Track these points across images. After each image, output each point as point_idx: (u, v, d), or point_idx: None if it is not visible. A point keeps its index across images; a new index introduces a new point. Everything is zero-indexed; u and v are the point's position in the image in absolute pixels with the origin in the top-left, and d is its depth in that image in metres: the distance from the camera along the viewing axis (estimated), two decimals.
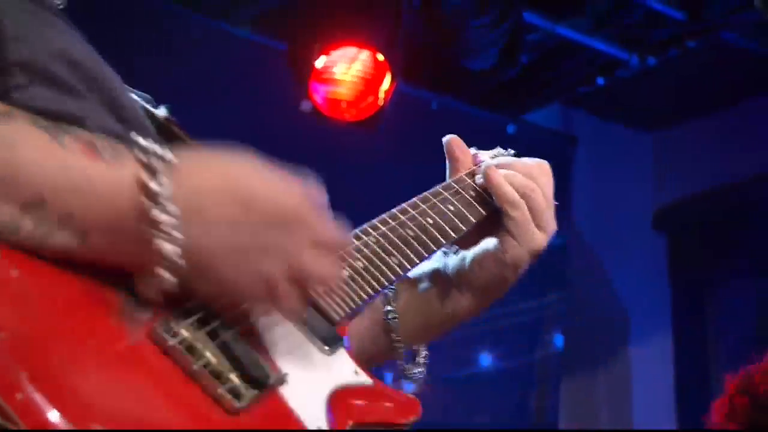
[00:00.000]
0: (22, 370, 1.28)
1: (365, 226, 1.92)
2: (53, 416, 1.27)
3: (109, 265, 1.43)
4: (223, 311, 1.51)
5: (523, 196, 1.92)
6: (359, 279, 1.82)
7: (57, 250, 1.40)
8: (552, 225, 1.95)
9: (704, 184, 7.08)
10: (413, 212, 1.96)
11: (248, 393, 1.47)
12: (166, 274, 1.41)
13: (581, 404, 7.00)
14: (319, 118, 5.58)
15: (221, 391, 1.45)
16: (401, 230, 1.93)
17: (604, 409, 7.05)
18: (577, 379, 6.86)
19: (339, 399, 1.63)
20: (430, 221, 1.97)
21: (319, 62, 5.46)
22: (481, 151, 2.21)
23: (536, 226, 1.93)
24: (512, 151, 2.25)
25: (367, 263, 1.85)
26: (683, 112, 7.17)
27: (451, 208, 2.00)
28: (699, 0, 5.95)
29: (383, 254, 1.88)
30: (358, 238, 1.89)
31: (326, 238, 1.56)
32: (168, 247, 1.40)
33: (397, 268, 1.87)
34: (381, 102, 5.72)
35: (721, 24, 6.13)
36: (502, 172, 1.96)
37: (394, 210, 1.97)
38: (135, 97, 1.90)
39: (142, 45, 5.12)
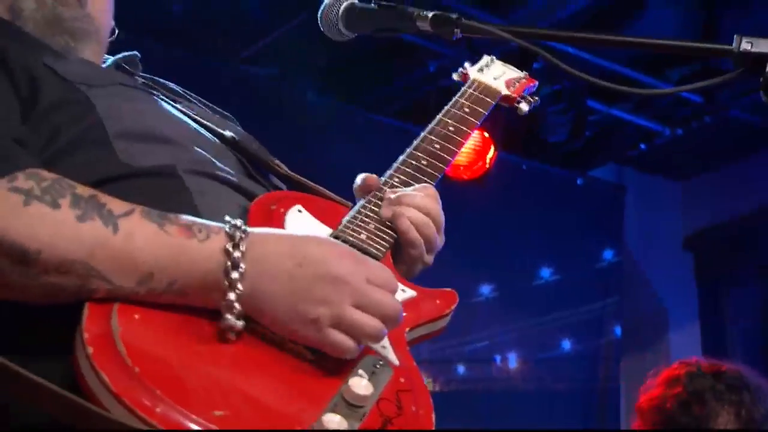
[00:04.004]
0: (156, 390, 1.24)
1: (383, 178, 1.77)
2: (185, 417, 1.23)
3: (203, 308, 1.39)
4: None
5: (420, 232, 1.69)
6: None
7: (164, 302, 1.38)
8: (439, 244, 1.75)
9: (719, 218, 6.92)
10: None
11: None
12: (231, 316, 1.36)
13: (634, 376, 6.84)
14: (445, 178, 5.57)
15: (300, 348, 1.40)
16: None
17: None
18: (631, 358, 6.73)
19: None
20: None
21: None
22: (468, 65, 2.06)
23: (428, 252, 1.73)
24: (494, 57, 2.08)
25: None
26: (702, 167, 7.02)
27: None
28: (713, 87, 5.86)
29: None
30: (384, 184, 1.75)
31: (370, 301, 1.40)
32: (231, 296, 1.36)
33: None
34: (487, 165, 5.71)
35: (730, 104, 6.03)
36: (405, 209, 1.70)
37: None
38: (209, 124, 1.84)
39: (305, 134, 5.15)
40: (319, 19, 1.95)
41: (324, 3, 1.94)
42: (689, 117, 6.26)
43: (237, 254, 1.37)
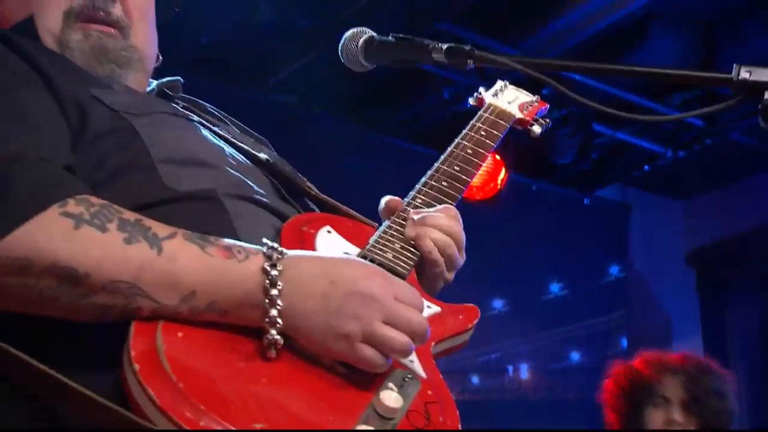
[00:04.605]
0: (199, 404, 1.25)
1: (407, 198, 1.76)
2: (227, 430, 1.24)
3: (242, 325, 1.40)
4: None
5: (442, 252, 1.68)
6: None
7: (206, 321, 1.39)
8: (460, 262, 1.73)
9: (719, 234, 6.88)
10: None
11: None
12: (274, 330, 1.36)
13: None
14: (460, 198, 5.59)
15: (332, 363, 1.41)
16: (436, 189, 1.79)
17: None
18: None
19: None
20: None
21: None
22: (483, 90, 2.04)
23: (449, 270, 1.72)
24: (507, 82, 2.06)
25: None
26: (703, 187, 7.00)
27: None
28: (713, 112, 5.84)
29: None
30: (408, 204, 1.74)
31: (398, 318, 1.41)
32: (274, 312, 1.36)
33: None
34: (499, 186, 5.72)
35: (730, 128, 6.02)
36: (428, 229, 1.68)
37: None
38: (245, 146, 1.85)
39: (326, 158, 5.16)
40: (340, 51, 1.95)
41: (345, 36, 1.95)
42: (691, 140, 6.25)
43: (274, 273, 1.38)
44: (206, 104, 2.00)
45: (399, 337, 1.41)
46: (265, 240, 1.43)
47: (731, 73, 1.60)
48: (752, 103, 1.61)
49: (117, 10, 1.84)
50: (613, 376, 3.96)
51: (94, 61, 1.79)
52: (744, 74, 1.59)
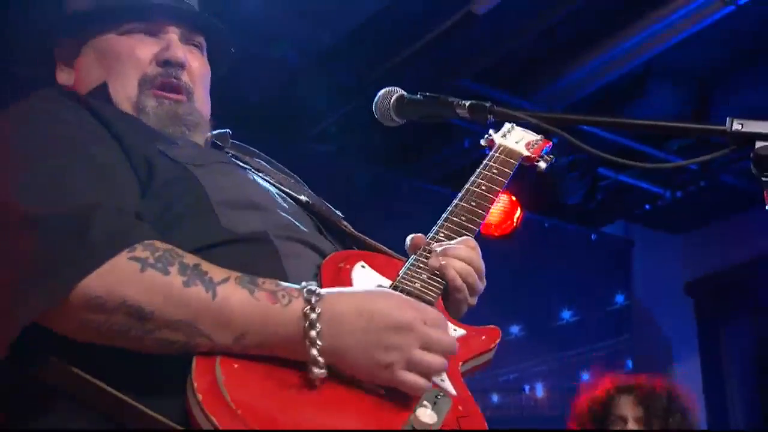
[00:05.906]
0: (256, 429, 1.27)
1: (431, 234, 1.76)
2: None
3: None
4: None
5: (465, 279, 1.68)
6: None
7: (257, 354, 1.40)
8: (481, 288, 1.73)
9: (715, 266, 6.81)
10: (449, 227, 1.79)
11: None
12: (317, 368, 1.38)
13: None
14: (479, 235, 5.55)
15: (373, 386, 1.42)
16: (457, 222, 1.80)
17: None
18: None
19: None
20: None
21: None
22: (493, 132, 2.02)
23: (472, 295, 1.72)
24: (514, 124, 2.03)
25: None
26: (699, 223, 6.93)
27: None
28: (710, 158, 5.81)
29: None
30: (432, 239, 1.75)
31: (432, 341, 1.43)
32: (314, 352, 1.37)
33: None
34: (515, 224, 5.68)
35: (722, 171, 5.99)
36: (450, 260, 1.68)
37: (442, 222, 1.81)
38: (287, 189, 1.86)
39: (360, 199, 5.15)
40: (374, 108, 1.95)
41: (378, 95, 1.95)
42: (687, 181, 6.22)
43: (313, 316, 1.39)
44: (253, 149, 2.03)
45: (436, 360, 1.43)
46: (303, 283, 1.44)
47: (725, 124, 1.60)
48: (743, 151, 1.61)
49: (185, 77, 1.89)
50: (575, 405, 3.94)
51: (168, 122, 1.83)
52: (737, 126, 1.59)
